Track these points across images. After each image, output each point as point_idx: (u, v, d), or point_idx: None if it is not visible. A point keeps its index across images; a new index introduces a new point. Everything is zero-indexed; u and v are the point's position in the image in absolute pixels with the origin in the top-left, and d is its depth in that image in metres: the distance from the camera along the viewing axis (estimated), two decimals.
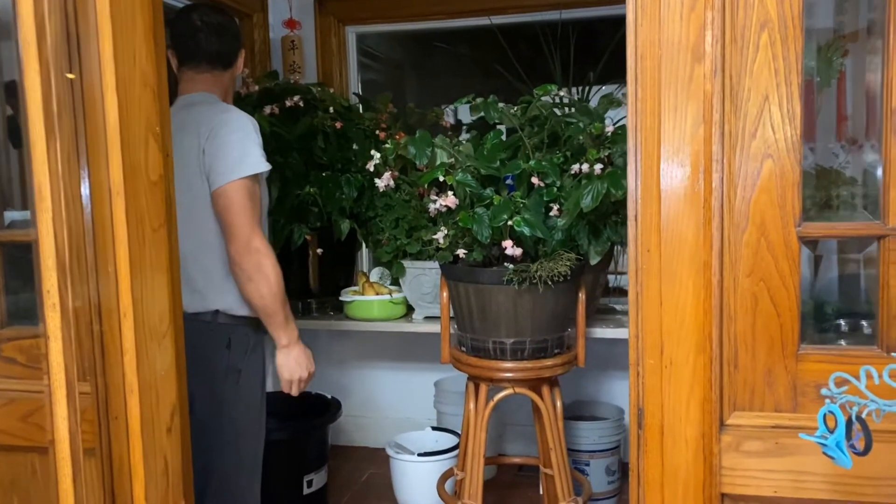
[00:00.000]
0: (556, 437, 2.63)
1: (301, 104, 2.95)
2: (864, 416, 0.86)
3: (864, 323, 1.88)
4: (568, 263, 2.39)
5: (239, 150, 2.03)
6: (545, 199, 2.38)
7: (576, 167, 2.35)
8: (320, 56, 3.76)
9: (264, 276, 2.03)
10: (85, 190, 1.21)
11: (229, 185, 2.01)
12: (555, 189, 2.39)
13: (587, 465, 3.18)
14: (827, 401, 0.88)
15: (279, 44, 3.71)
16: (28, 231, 1.27)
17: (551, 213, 2.40)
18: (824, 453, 0.89)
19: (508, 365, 2.52)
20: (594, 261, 2.49)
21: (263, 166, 2.06)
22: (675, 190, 1.11)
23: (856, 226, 1.26)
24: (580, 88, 3.03)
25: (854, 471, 1.00)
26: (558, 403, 2.67)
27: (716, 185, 1.11)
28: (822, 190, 2.34)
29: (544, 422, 2.62)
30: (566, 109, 2.63)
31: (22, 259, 1.53)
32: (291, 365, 2.15)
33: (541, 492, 3.00)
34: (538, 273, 2.36)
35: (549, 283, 2.36)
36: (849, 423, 0.87)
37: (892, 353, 0.89)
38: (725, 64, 1.11)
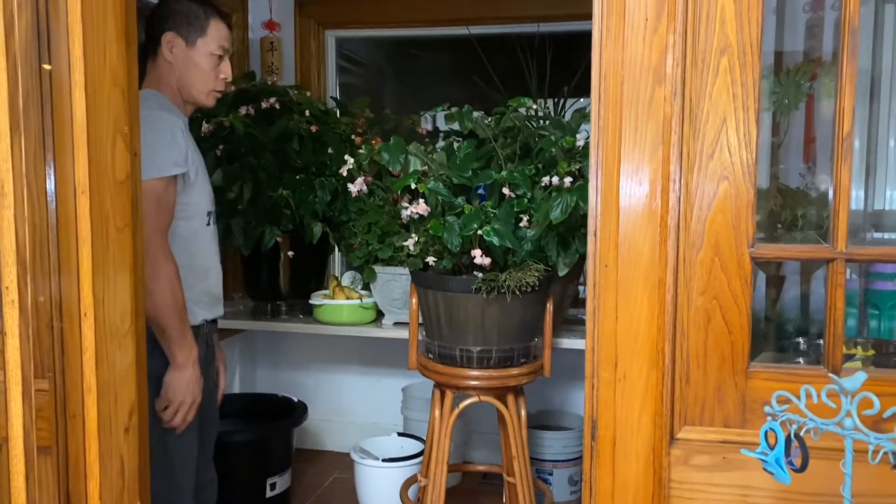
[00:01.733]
0: (519, 446, 2.65)
1: (277, 106, 2.96)
2: (802, 433, 0.89)
3: (820, 342, 1.93)
4: (536, 274, 2.41)
5: (152, 150, 1.88)
6: (516, 209, 2.41)
7: (546, 179, 2.38)
8: (299, 58, 3.77)
9: (160, 288, 1.89)
10: (50, 186, 1.21)
11: None
12: (525, 200, 2.42)
13: (550, 474, 3.21)
14: (769, 418, 0.91)
15: (258, 45, 3.71)
16: None
17: (521, 224, 2.43)
18: (765, 469, 0.91)
19: (475, 373, 2.54)
20: (562, 272, 2.52)
21: (171, 170, 1.94)
22: (634, 208, 1.14)
23: (806, 248, 1.29)
24: (555, 101, 3.07)
25: (795, 486, 1.03)
26: (523, 412, 2.69)
27: (672, 204, 1.13)
28: (789, 210, 2.39)
29: (508, 430, 2.64)
30: (540, 122, 2.67)
31: None
32: (181, 386, 1.97)
33: (504, 500, 3.02)
34: (506, 282, 2.38)
35: (517, 292, 2.38)
36: (788, 440, 0.89)
37: (831, 375, 0.92)
38: (686, 86, 1.14)
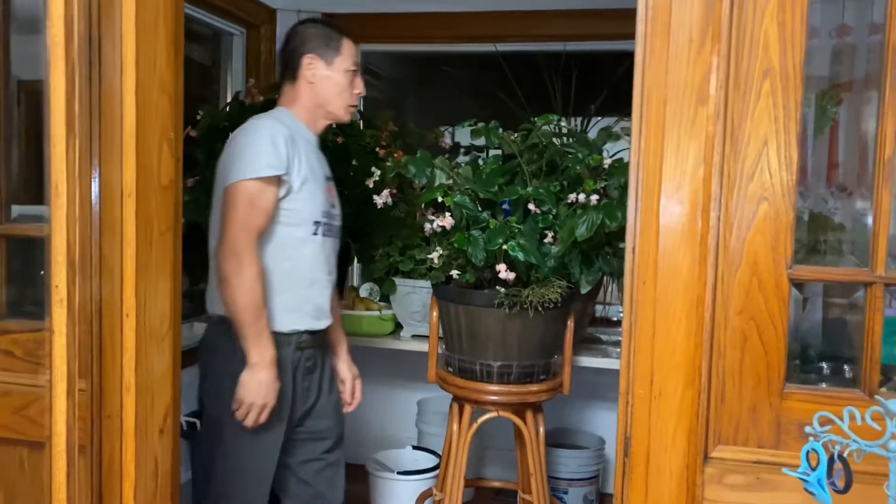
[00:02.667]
0: (537, 463, 2.65)
1: None
2: (845, 455, 0.89)
3: (846, 367, 1.92)
4: (559, 290, 2.42)
5: (249, 153, 2.00)
6: (540, 225, 2.42)
7: (572, 196, 2.40)
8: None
9: (240, 284, 1.95)
10: (95, 189, 1.23)
11: (231, 186, 1.99)
12: (550, 217, 2.43)
13: (565, 493, 3.19)
14: (811, 439, 0.92)
15: None
16: (38, 226, 1.29)
17: (545, 241, 2.44)
18: (806, 489, 0.92)
19: (494, 388, 2.54)
20: (585, 290, 2.53)
21: (264, 172, 1.99)
22: (674, 226, 1.15)
23: (845, 271, 1.30)
24: (581, 120, 3.09)
25: None
26: (541, 429, 2.69)
27: (713, 223, 1.15)
28: (811, 234, 2.39)
29: (526, 447, 2.64)
30: (564, 139, 2.68)
31: (25, 253, 1.55)
32: (251, 386, 1.99)
33: None
34: (529, 298, 2.39)
35: (540, 308, 2.39)
36: (830, 462, 0.90)
37: (875, 397, 0.92)
38: (728, 108, 1.15)
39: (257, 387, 1.99)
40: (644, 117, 1.16)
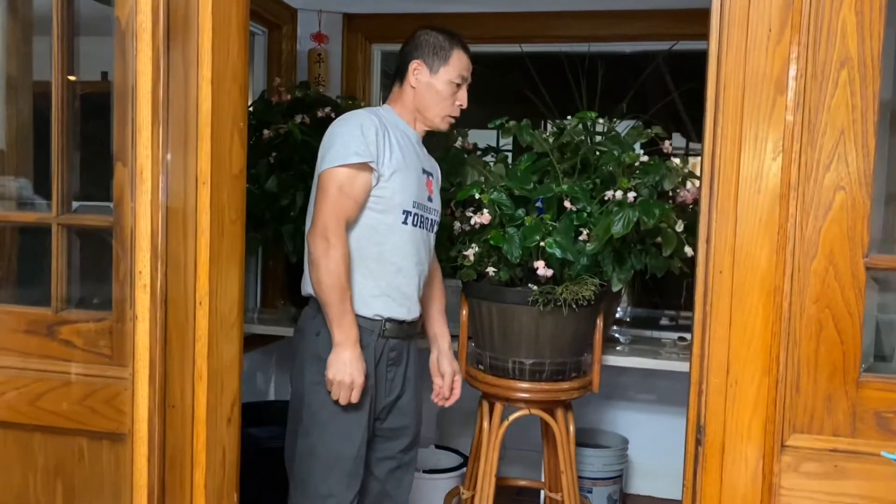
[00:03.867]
0: (567, 461, 2.65)
1: (333, 115, 2.99)
2: None
3: None
4: (592, 288, 2.42)
5: (339, 141, 2.06)
6: (575, 223, 2.42)
7: (609, 194, 2.40)
8: (345, 71, 3.81)
9: (326, 265, 2.03)
10: (166, 178, 1.23)
11: (323, 173, 2.06)
12: (585, 214, 2.43)
13: (590, 492, 3.19)
14: None
15: (306, 56, 3.75)
16: (102, 217, 1.29)
17: (580, 238, 2.44)
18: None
19: (526, 385, 2.54)
20: (616, 287, 2.53)
21: (352, 158, 2.05)
22: (752, 215, 1.16)
23: None
24: (609, 118, 3.09)
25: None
26: (571, 427, 2.69)
27: (791, 212, 1.15)
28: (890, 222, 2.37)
29: (557, 445, 2.64)
30: (596, 138, 2.69)
31: (84, 245, 1.55)
32: (338, 366, 2.05)
33: None
34: (563, 296, 2.39)
35: (573, 306, 2.39)
36: None
37: None
38: (805, 98, 1.16)
39: (343, 366, 2.05)
40: (721, 107, 1.17)
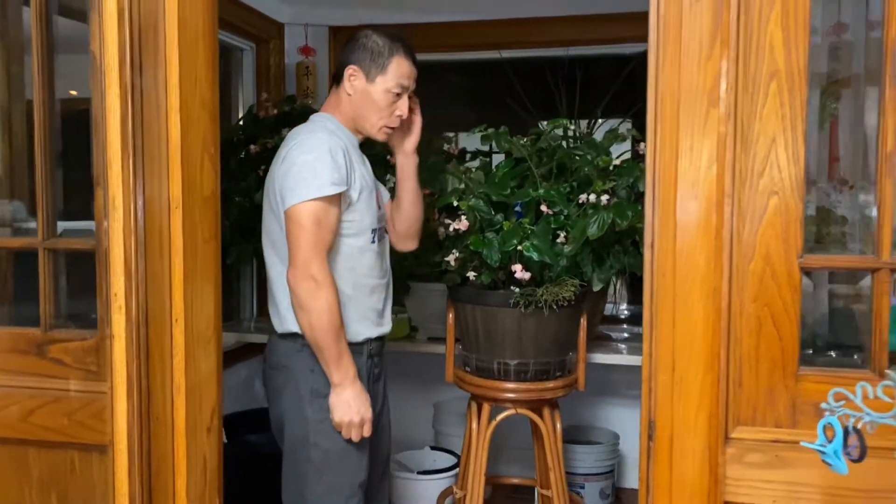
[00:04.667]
0: (555, 459, 2.72)
1: None
2: (859, 426, 0.96)
3: (856, 357, 1.99)
4: (572, 289, 2.49)
5: (308, 171, 1.95)
6: (553, 226, 2.49)
7: (583, 197, 2.47)
8: (333, 83, 3.88)
9: (318, 307, 1.93)
10: (140, 203, 1.31)
11: (293, 208, 1.94)
12: (562, 217, 2.50)
13: (582, 487, 3.26)
14: (826, 413, 0.99)
15: (294, 69, 3.83)
16: (85, 240, 1.37)
17: (558, 241, 2.51)
18: (823, 461, 0.99)
19: (511, 385, 2.61)
20: (597, 287, 2.60)
21: (329, 190, 1.95)
22: (690, 221, 1.22)
23: (852, 259, 1.37)
24: (588, 122, 3.16)
25: (844, 482, 1.11)
26: (558, 425, 2.76)
27: (727, 218, 1.22)
28: (815, 227, 2.48)
29: (544, 443, 2.71)
30: (572, 142, 2.76)
31: (71, 266, 1.63)
32: (341, 407, 2.00)
33: None
34: (544, 297, 2.46)
35: (554, 307, 2.46)
36: (846, 433, 0.97)
37: (886, 372, 0.99)
38: (738, 108, 1.22)
39: (348, 406, 2.00)
40: (659, 119, 1.24)
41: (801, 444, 1.03)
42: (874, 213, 1.25)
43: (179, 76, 1.27)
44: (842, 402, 0.99)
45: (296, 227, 1.94)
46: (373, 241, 2.16)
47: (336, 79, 2.20)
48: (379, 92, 2.11)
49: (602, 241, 2.50)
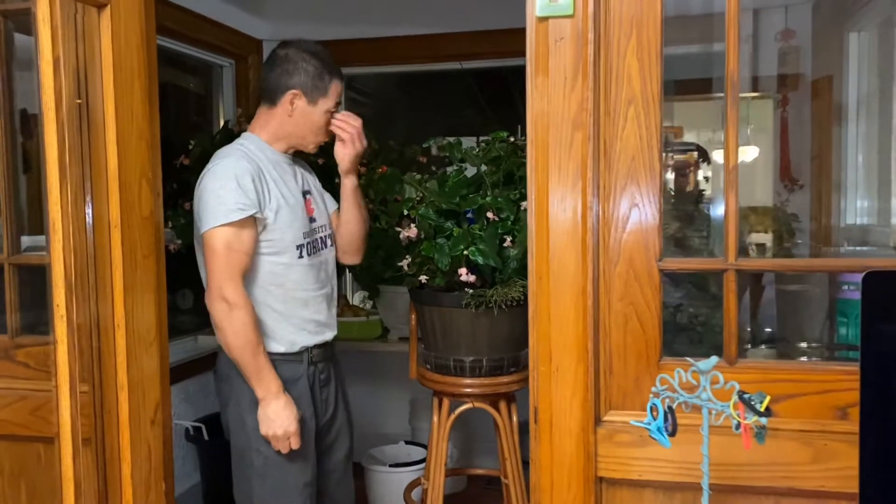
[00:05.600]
0: (511, 449, 2.88)
1: None
2: (674, 406, 1.13)
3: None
4: (521, 289, 2.66)
5: (214, 199, 2.00)
6: (500, 231, 2.66)
7: (524, 203, 2.63)
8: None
9: (232, 328, 1.99)
10: (89, 222, 1.49)
11: (205, 235, 2.00)
12: (509, 223, 2.67)
13: None
14: (651, 396, 1.15)
15: None
16: (41, 255, 1.56)
17: (506, 245, 2.68)
18: (650, 436, 1.15)
19: (468, 381, 2.78)
20: None
21: (235, 216, 2.00)
22: (561, 229, 1.39)
23: (704, 261, 1.53)
24: None
25: (682, 456, 1.28)
26: (514, 417, 2.92)
27: (591, 226, 1.38)
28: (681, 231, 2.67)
29: (501, 435, 2.88)
30: (521, 151, 2.93)
31: (34, 277, 1.82)
32: (265, 421, 2.07)
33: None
34: (493, 298, 2.63)
35: (504, 307, 2.63)
36: (666, 413, 1.13)
37: (688, 359, 1.15)
38: (601, 131, 1.39)
39: (271, 421, 2.07)
40: (534, 141, 1.40)
41: (631, 422, 1.19)
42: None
43: (115, 113, 1.45)
44: (666, 387, 1.15)
45: (209, 252, 2.01)
46: (300, 256, 2.20)
47: (266, 98, 2.24)
48: (319, 113, 2.23)
49: None
